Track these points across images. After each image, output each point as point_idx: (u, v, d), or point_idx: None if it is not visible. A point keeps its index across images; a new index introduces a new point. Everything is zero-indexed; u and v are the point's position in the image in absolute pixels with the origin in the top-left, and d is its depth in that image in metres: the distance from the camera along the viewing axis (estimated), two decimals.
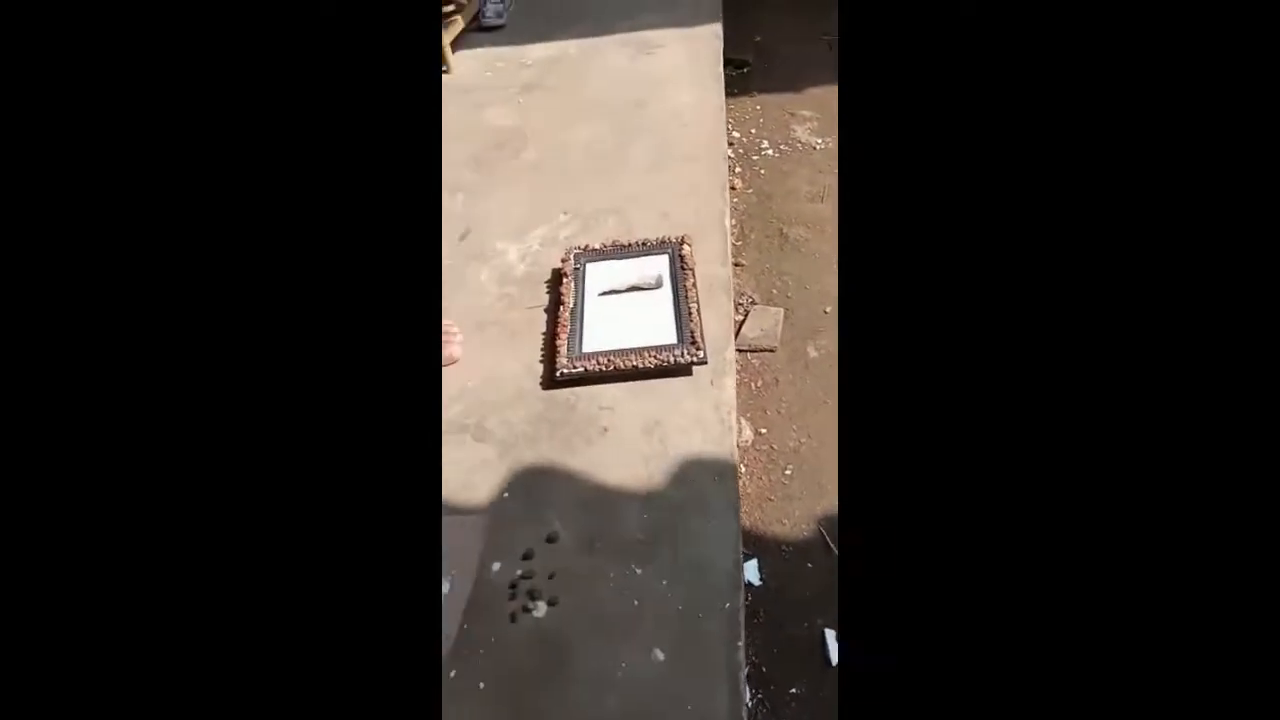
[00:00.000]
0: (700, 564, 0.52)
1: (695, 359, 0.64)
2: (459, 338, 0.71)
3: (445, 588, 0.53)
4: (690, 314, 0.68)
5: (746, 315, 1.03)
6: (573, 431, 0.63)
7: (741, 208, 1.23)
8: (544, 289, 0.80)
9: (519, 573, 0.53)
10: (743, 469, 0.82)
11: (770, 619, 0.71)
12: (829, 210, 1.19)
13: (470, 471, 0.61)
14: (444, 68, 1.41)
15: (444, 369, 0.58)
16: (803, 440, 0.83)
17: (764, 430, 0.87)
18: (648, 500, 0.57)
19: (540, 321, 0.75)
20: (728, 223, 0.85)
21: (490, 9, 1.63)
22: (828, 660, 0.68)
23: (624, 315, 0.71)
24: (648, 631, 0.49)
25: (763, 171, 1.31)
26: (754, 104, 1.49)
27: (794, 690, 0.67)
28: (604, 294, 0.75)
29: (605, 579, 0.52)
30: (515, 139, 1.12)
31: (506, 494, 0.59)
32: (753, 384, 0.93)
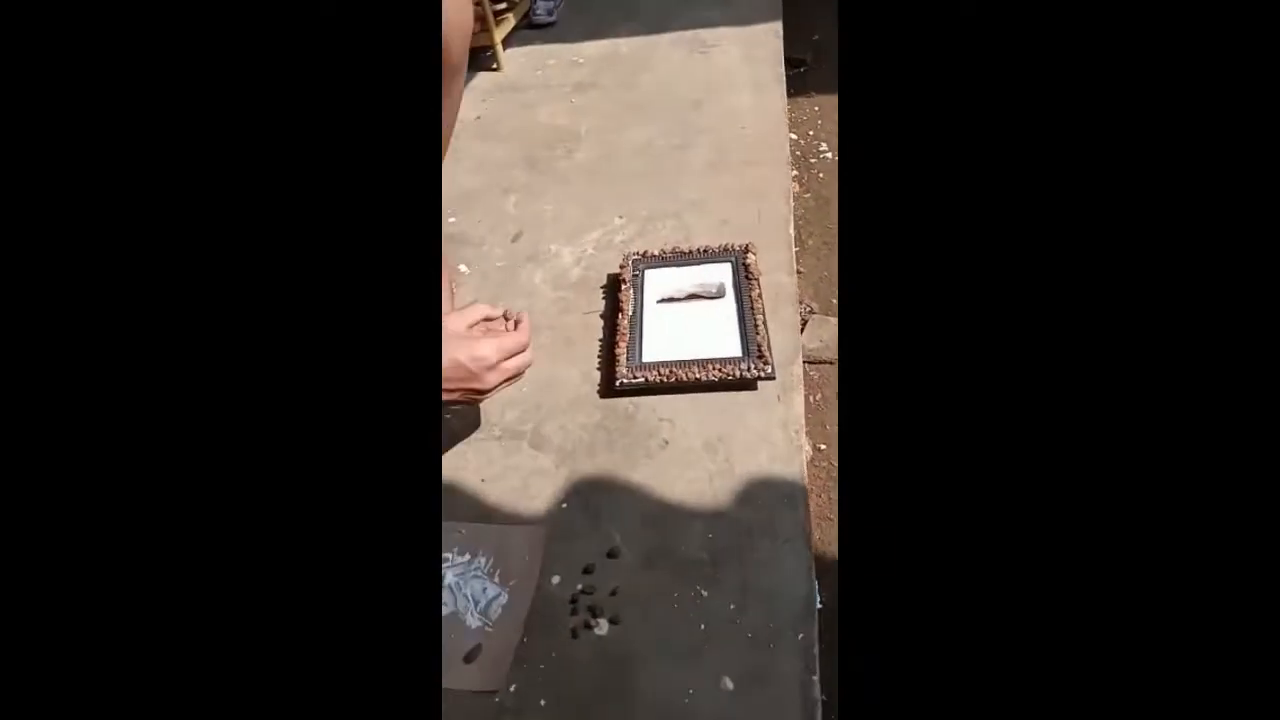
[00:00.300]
0: (770, 591, 0.50)
1: (763, 373, 0.62)
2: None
3: (504, 598, 0.53)
4: (757, 326, 0.66)
5: (804, 325, 1.00)
6: (632, 443, 0.61)
7: (799, 212, 1.20)
8: (600, 294, 0.78)
9: (579, 587, 0.52)
10: None
11: (834, 646, 0.69)
12: None
13: (527, 478, 0.60)
14: (495, 65, 1.42)
15: (511, 372, 0.55)
16: None
17: (823, 446, 0.83)
18: (713, 520, 0.55)
19: (597, 327, 0.74)
20: (791, 230, 0.82)
21: (541, 6, 1.63)
22: None
23: (685, 324, 0.69)
24: (715, 658, 0.47)
25: (821, 175, 1.27)
26: (812, 105, 1.44)
27: None
28: (662, 301, 0.73)
29: (669, 599, 0.51)
30: (568, 139, 1.11)
31: (565, 504, 0.58)
32: (811, 398, 0.90)
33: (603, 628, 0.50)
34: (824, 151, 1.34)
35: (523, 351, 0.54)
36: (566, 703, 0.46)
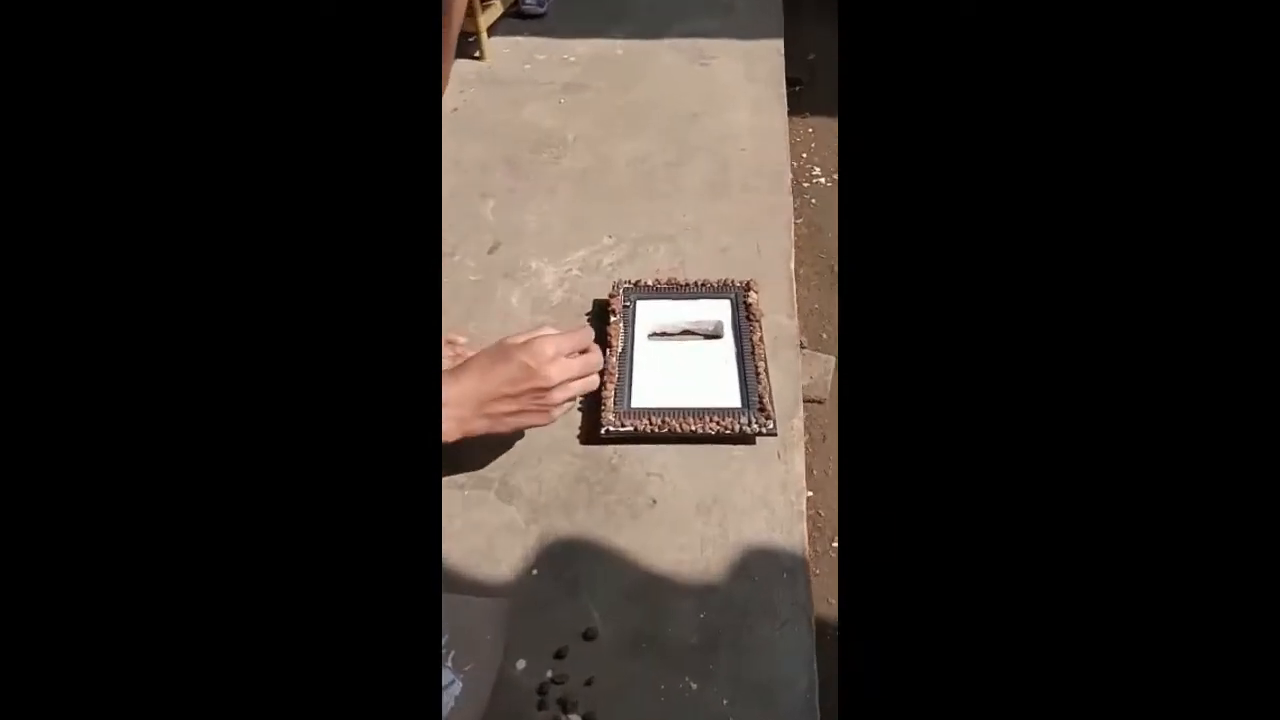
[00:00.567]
0: (769, 683, 0.44)
1: (764, 429, 0.56)
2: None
3: (458, 687, 0.45)
4: (758, 374, 0.60)
5: None
6: (616, 500, 0.55)
7: None
8: (584, 321, 0.72)
9: (549, 675, 0.45)
10: None
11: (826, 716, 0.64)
12: None
13: (493, 537, 0.53)
14: (478, 54, 1.33)
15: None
16: None
17: (811, 493, 0.79)
18: (704, 596, 0.49)
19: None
20: (792, 266, 0.78)
21: None
22: None
23: (679, 366, 0.63)
24: None
25: (814, 201, 1.24)
26: (806, 126, 1.41)
27: None
28: (654, 335, 0.67)
29: (654, 692, 0.45)
30: (555, 143, 1.04)
31: (535, 571, 0.51)
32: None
33: None
34: (817, 176, 1.31)
35: (587, 351, 0.53)
36: None
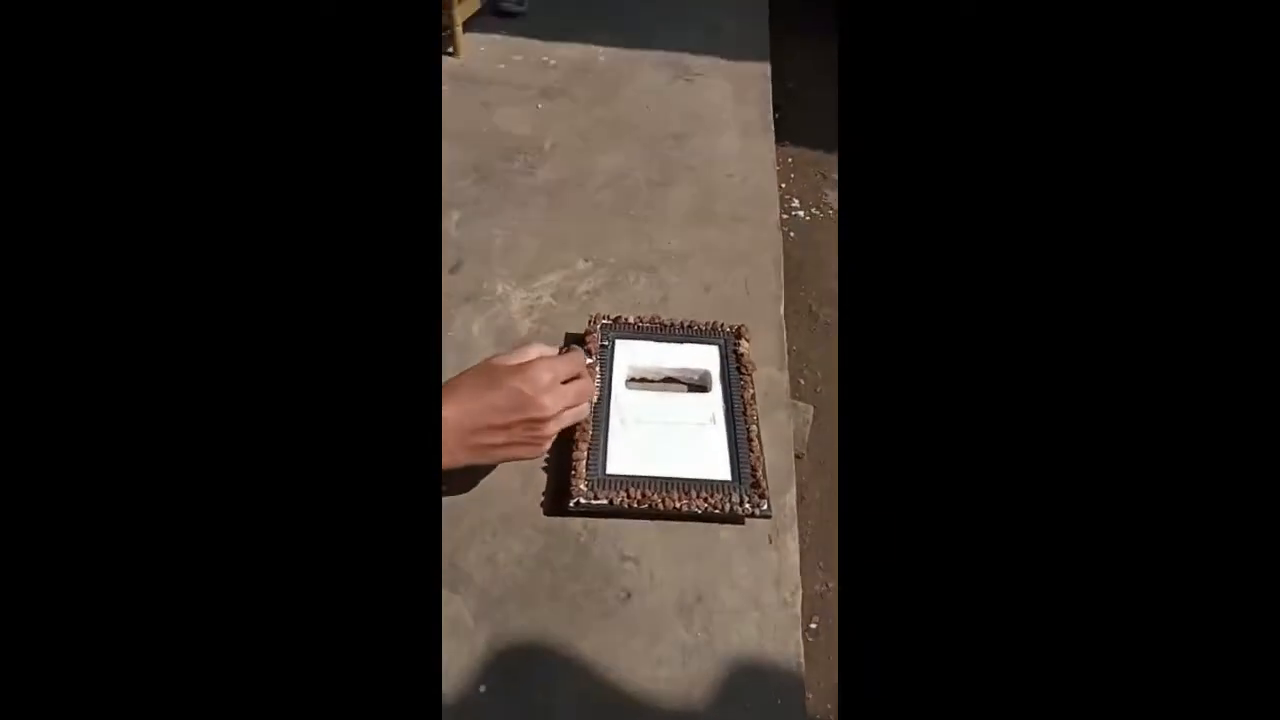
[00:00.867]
0: None
1: (757, 510, 0.49)
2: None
3: None
4: (750, 441, 0.53)
5: None
6: (583, 591, 0.46)
7: None
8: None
9: None
10: None
11: None
12: None
13: None
14: (451, 49, 1.22)
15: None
16: (831, 584, 0.69)
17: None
18: None
19: None
20: (782, 310, 0.71)
21: None
22: None
23: (661, 424, 0.55)
24: None
25: (792, 234, 1.19)
26: (784, 156, 1.37)
27: None
28: (633, 382, 0.59)
29: None
30: (529, 150, 0.94)
31: (483, 688, 0.41)
32: None
33: None
34: (796, 209, 1.26)
35: (579, 378, 0.47)
36: None
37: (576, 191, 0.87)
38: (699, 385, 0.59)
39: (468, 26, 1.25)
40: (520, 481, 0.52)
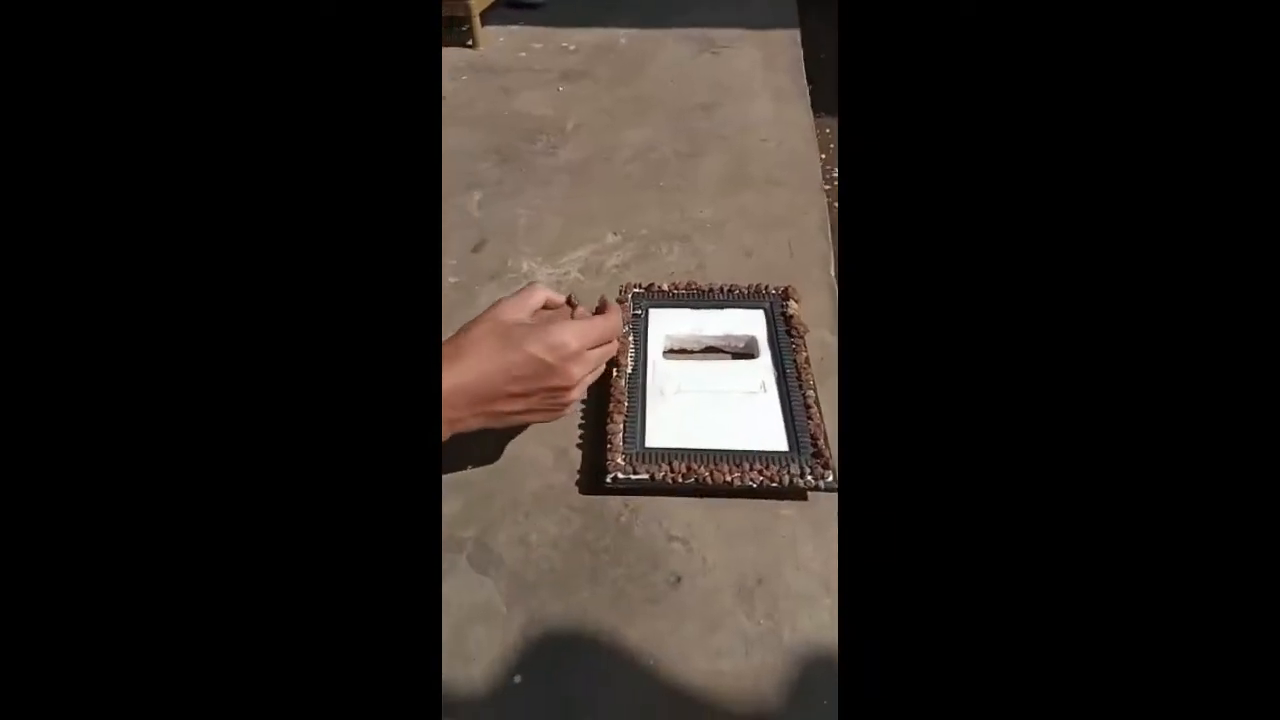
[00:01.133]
0: None
1: (822, 482, 0.43)
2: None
3: None
4: (809, 408, 0.47)
5: None
6: (626, 576, 0.41)
7: None
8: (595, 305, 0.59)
9: None
10: None
11: None
12: None
13: (463, 626, 0.39)
14: (470, 42, 1.21)
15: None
16: None
17: None
18: None
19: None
20: (834, 272, 0.65)
21: None
22: None
23: (705, 393, 0.50)
24: None
25: (834, 205, 1.13)
26: (821, 127, 1.30)
27: None
28: (671, 353, 0.54)
29: None
30: (551, 131, 0.91)
31: (518, 678, 0.37)
32: None
33: None
34: (836, 179, 1.20)
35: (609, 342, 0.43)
36: None
37: (602, 168, 0.83)
38: (745, 353, 0.54)
39: (486, 20, 1.24)
40: (553, 458, 0.48)
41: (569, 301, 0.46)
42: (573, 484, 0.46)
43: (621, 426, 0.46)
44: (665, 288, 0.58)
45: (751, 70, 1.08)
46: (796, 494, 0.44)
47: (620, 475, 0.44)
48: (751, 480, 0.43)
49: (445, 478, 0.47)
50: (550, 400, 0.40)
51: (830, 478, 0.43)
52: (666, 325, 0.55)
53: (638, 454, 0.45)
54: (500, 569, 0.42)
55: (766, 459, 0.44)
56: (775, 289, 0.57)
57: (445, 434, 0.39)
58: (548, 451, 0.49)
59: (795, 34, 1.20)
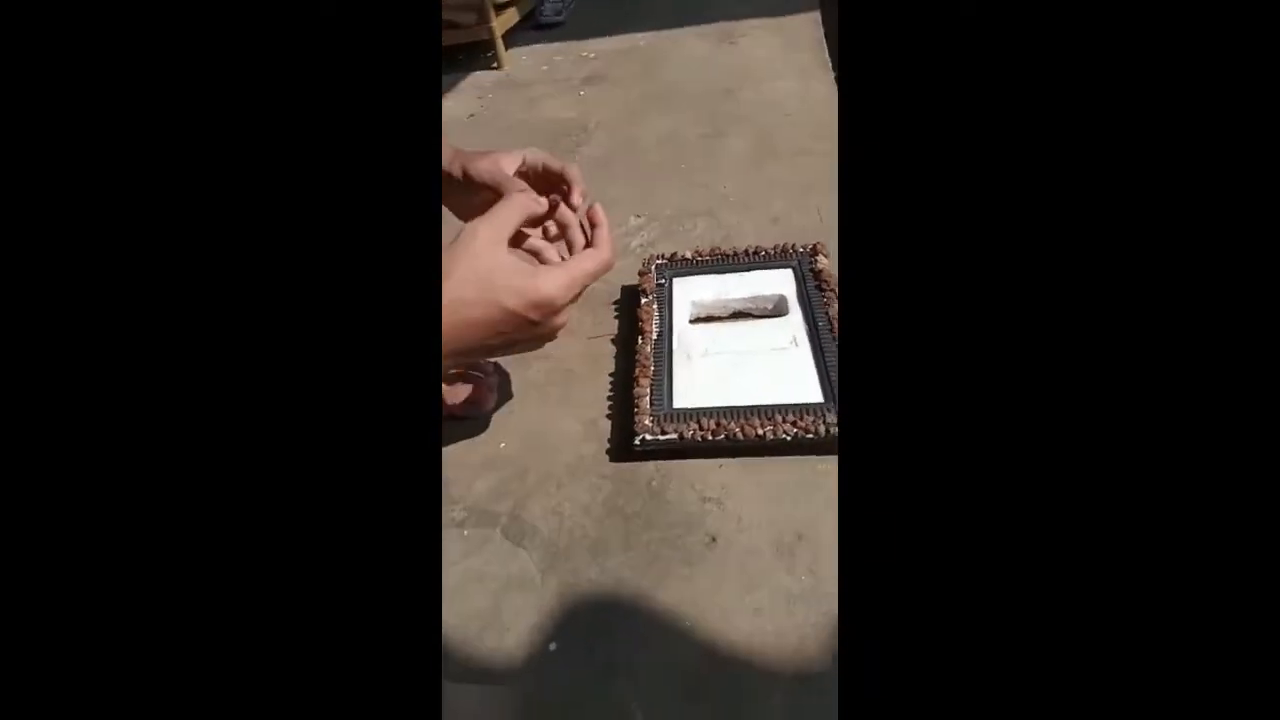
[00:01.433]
0: None
1: None
2: (492, 379, 0.50)
3: None
4: None
5: None
6: (660, 538, 0.40)
7: None
8: (611, 312, 0.58)
9: None
10: None
11: None
12: None
13: (500, 595, 0.39)
14: (495, 64, 1.27)
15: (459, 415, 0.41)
16: None
17: None
18: (799, 683, 0.33)
19: (607, 357, 0.53)
20: None
21: (549, 6, 1.49)
22: None
23: (735, 351, 0.48)
24: None
25: None
26: None
27: None
28: (698, 321, 0.53)
29: None
30: (574, 131, 0.93)
31: (554, 645, 0.36)
32: None
33: None
34: None
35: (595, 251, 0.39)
36: None
37: (624, 158, 0.84)
38: (774, 313, 0.52)
39: (509, 42, 1.29)
40: (582, 430, 0.48)
41: (552, 206, 0.41)
42: (603, 453, 0.45)
43: (649, 390, 0.45)
44: (689, 255, 0.57)
45: (772, 55, 1.07)
46: (831, 447, 0.41)
47: (648, 436, 0.43)
48: (785, 433, 0.41)
49: (478, 456, 0.47)
50: (534, 342, 0.38)
51: None
52: (692, 292, 0.54)
53: (666, 415, 0.44)
54: (534, 539, 0.41)
55: (800, 410, 0.41)
56: (803, 247, 0.55)
57: None
58: (577, 425, 0.48)
59: (815, 16, 1.19)
